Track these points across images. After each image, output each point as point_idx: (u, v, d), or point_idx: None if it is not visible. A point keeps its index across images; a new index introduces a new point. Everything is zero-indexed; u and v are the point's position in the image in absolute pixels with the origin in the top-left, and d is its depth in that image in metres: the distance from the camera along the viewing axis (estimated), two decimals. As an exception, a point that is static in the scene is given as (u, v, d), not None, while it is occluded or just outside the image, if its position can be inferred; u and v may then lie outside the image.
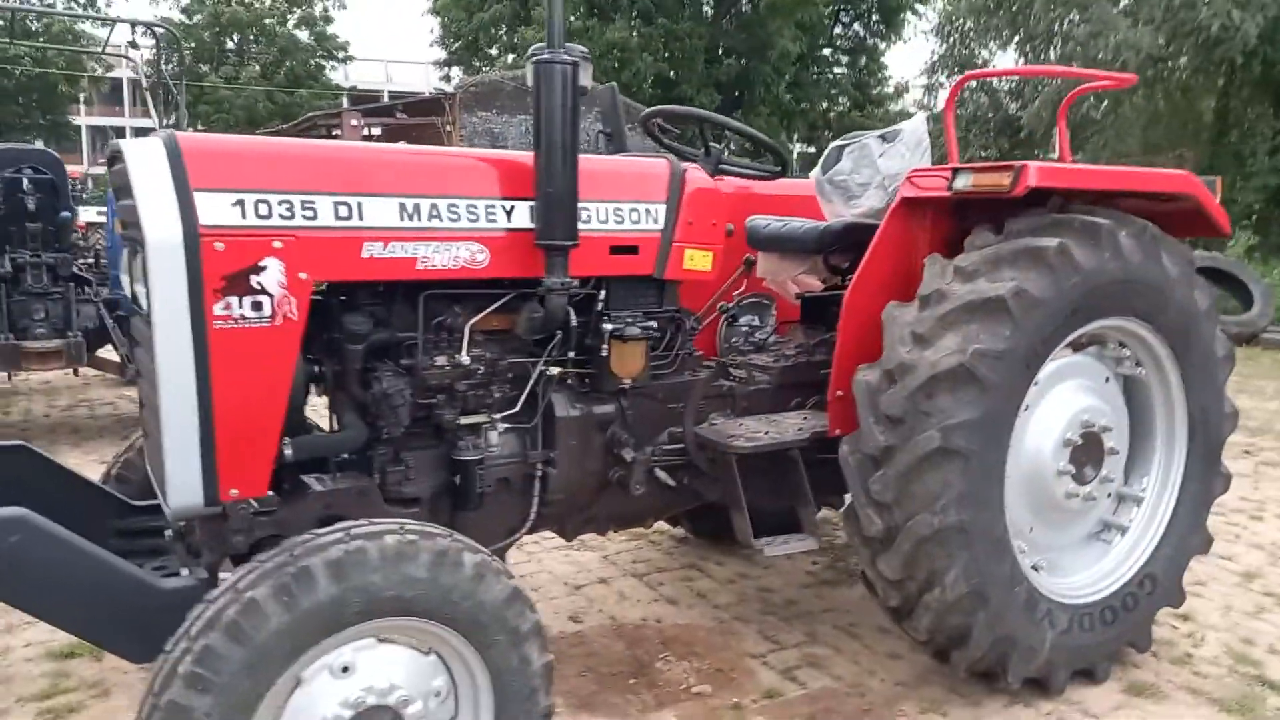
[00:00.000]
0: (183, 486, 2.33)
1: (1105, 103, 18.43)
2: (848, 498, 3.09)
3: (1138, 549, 3.49)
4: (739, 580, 4.38)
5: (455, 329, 2.75)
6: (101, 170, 39.27)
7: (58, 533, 2.22)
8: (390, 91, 47.44)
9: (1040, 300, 2.91)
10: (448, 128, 19.73)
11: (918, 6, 32.05)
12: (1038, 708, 3.25)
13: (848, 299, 3.17)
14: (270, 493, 2.48)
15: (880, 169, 3.48)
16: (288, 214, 2.34)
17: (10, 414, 8.11)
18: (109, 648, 2.48)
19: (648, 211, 2.96)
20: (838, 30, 34.57)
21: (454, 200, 2.61)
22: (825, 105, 34.80)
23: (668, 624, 3.90)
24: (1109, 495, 3.50)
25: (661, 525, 4.34)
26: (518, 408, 2.90)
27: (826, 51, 34.41)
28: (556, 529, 3.31)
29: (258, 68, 41.50)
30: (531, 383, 2.91)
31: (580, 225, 2.70)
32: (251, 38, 42.13)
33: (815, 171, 3.75)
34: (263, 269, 2.30)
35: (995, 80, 21.50)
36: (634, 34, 27.34)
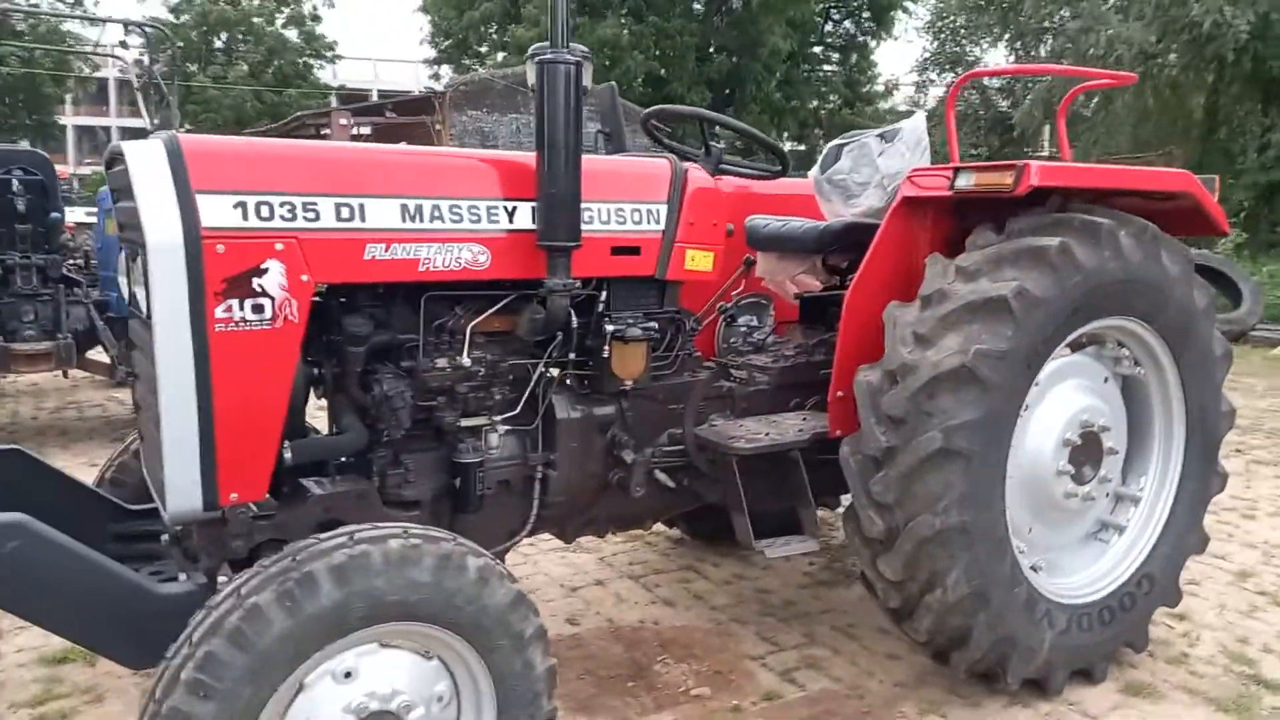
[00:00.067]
0: (182, 491, 2.30)
1: (1096, 100, 18.51)
2: (844, 498, 3.08)
3: (1135, 549, 3.49)
4: (736, 581, 4.38)
5: (456, 331, 2.74)
6: (88, 171, 39.17)
7: (56, 538, 2.20)
8: (379, 90, 47.34)
9: (1042, 300, 2.91)
10: (438, 127, 19.68)
11: (908, 4, 32.17)
12: (1036, 708, 3.25)
13: (849, 299, 3.16)
14: (269, 497, 2.47)
15: (880, 168, 3.47)
16: (289, 216, 2.32)
17: (-2, 416, 8.07)
18: (106, 653, 2.46)
19: (649, 212, 2.95)
20: (828, 28, 34.65)
21: (456, 201, 2.59)
22: (815, 103, 34.87)
23: (665, 626, 3.89)
24: (1107, 495, 3.50)
25: (658, 526, 4.33)
26: (518, 409, 2.89)
27: (817, 49, 34.48)
28: (556, 531, 3.29)
29: (245, 67, 41.29)
30: (532, 384, 2.89)
31: (582, 226, 2.69)
32: (239, 37, 41.91)
33: (814, 171, 3.74)
34: (264, 271, 2.28)
35: (986, 78, 21.61)
36: (625, 32, 27.32)
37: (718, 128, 3.52)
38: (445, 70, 34.52)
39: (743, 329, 3.86)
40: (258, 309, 2.29)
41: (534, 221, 2.67)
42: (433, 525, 2.42)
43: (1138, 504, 3.53)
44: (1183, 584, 3.64)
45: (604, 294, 2.97)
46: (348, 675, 2.13)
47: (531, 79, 2.60)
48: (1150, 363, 3.44)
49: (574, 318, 2.84)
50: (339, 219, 2.41)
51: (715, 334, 3.85)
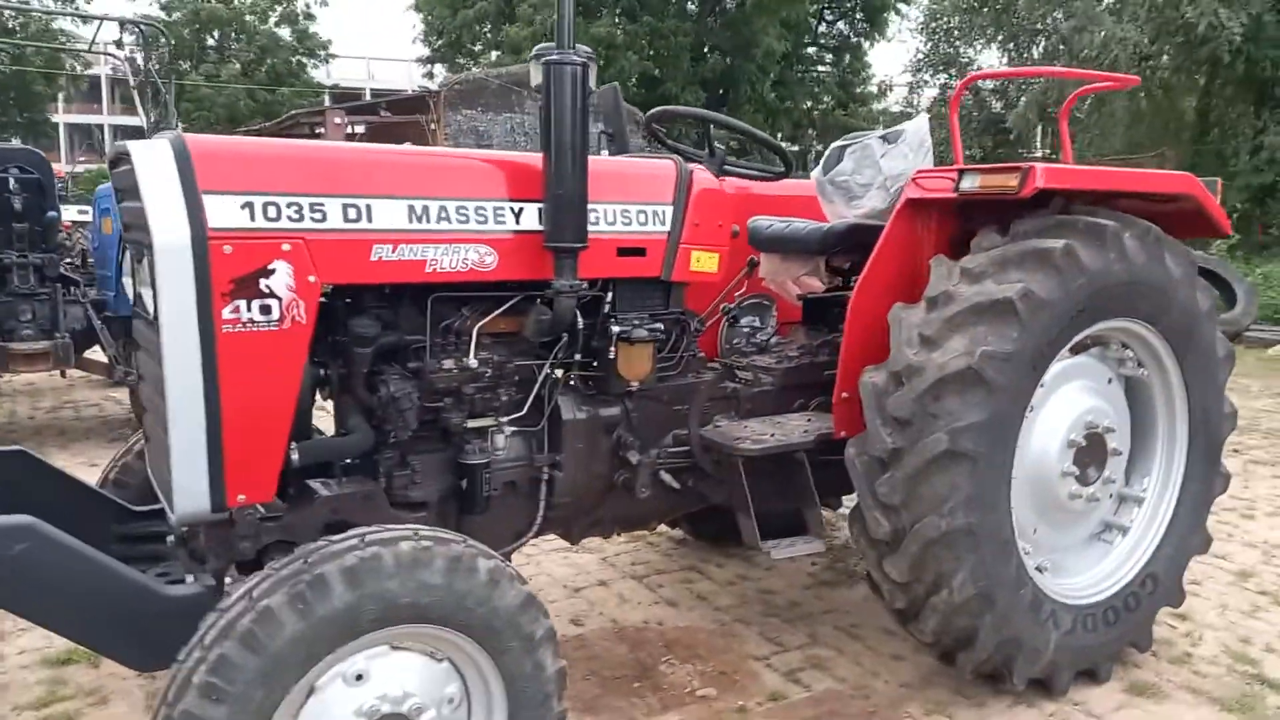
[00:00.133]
0: (189, 492, 2.29)
1: (1089, 102, 18.57)
2: (847, 499, 3.08)
3: (1139, 549, 3.50)
4: (739, 582, 4.38)
5: (463, 332, 2.73)
6: (80, 169, 39.02)
7: (64, 540, 2.20)
8: (372, 89, 47.25)
9: (1047, 302, 2.92)
10: (432, 126, 19.62)
11: (900, 6, 32.21)
12: (1041, 708, 3.26)
13: (853, 300, 3.16)
14: (276, 498, 2.46)
15: (882, 169, 3.47)
16: (296, 216, 2.32)
17: (-5, 416, 8.03)
18: (113, 655, 2.45)
19: (655, 213, 2.94)
20: (822, 29, 34.68)
21: (463, 202, 2.58)
22: (809, 104, 34.90)
23: (669, 626, 3.89)
24: (1111, 496, 3.51)
25: (661, 527, 4.33)
26: (524, 411, 2.88)
27: (811, 50, 34.52)
28: (561, 532, 3.29)
29: (238, 65, 41.17)
30: (538, 385, 2.89)
31: (588, 227, 2.68)
32: (232, 35, 41.79)
33: (816, 172, 3.74)
34: (271, 272, 2.28)
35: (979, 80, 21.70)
36: (619, 31, 27.31)
37: (717, 129, 3.52)
38: (439, 69, 34.47)
39: (745, 330, 3.86)
40: (265, 310, 2.29)
41: (541, 223, 2.67)
42: (439, 526, 2.42)
43: (1141, 505, 3.53)
44: (1185, 584, 3.65)
45: (609, 295, 2.97)
46: (359, 678, 2.12)
47: (536, 80, 2.60)
48: (1154, 364, 3.45)
49: (580, 319, 2.84)
50: (346, 220, 2.40)
51: (718, 335, 3.86)
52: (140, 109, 9.36)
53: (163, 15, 38.77)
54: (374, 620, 2.08)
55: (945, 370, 2.84)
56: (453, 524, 2.77)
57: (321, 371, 2.65)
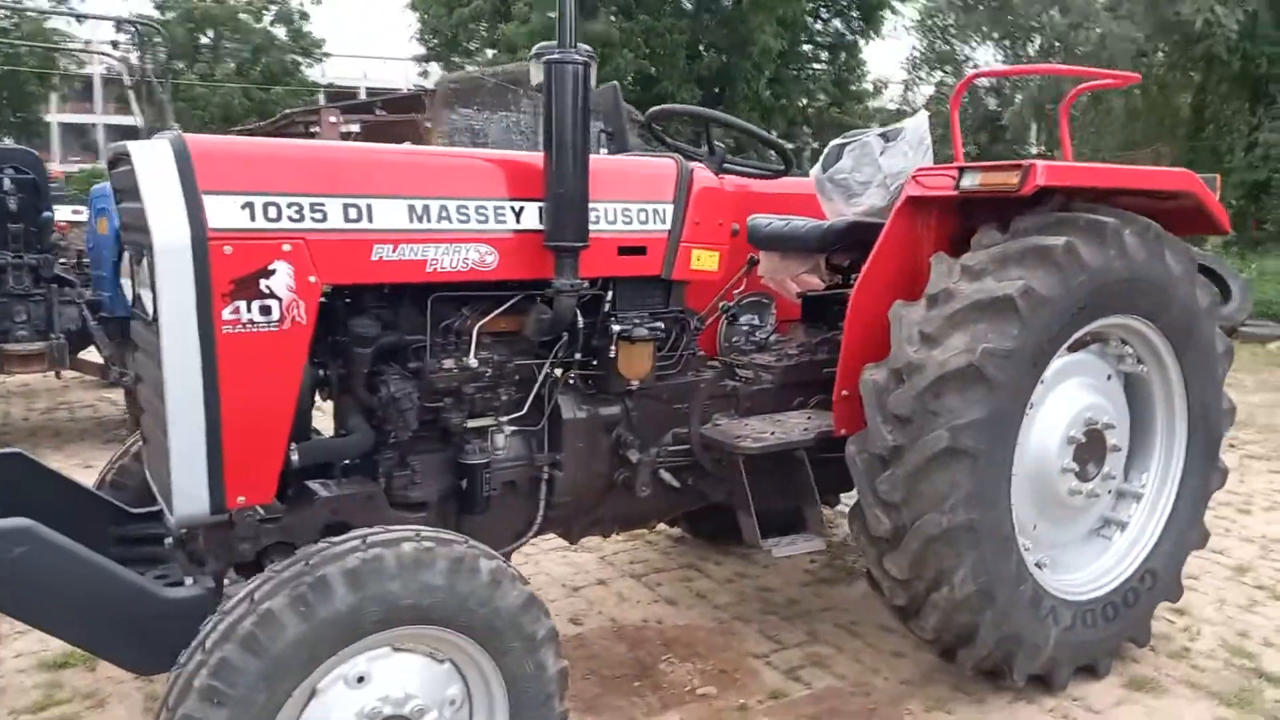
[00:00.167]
0: (189, 494, 2.29)
1: (1086, 100, 18.59)
2: (845, 496, 3.08)
3: (1138, 545, 3.51)
4: (738, 580, 4.37)
5: (463, 331, 2.72)
6: (75, 169, 38.88)
7: (62, 543, 2.18)
8: (367, 88, 47.20)
9: (1048, 299, 2.92)
10: (427, 124, 19.58)
11: (895, 4, 32.20)
12: (1041, 704, 3.26)
13: (853, 298, 3.16)
14: (276, 500, 2.45)
15: (882, 167, 3.47)
16: (297, 216, 2.31)
17: (-11, 417, 8.00)
18: (112, 658, 2.44)
19: (655, 212, 2.94)
20: (817, 26, 34.63)
21: (463, 202, 2.58)
22: (804, 101, 34.86)
23: (668, 625, 3.89)
24: (1110, 492, 3.52)
25: (659, 525, 4.33)
26: (524, 410, 2.87)
27: (806, 48, 34.47)
28: (561, 532, 3.28)
29: (233, 64, 41.06)
30: (538, 385, 2.88)
31: (589, 226, 2.67)
32: (226, 34, 41.66)
33: (815, 170, 3.74)
34: (272, 272, 2.27)
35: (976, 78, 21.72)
36: (615, 29, 27.26)
37: (717, 127, 3.52)
38: (434, 68, 34.40)
39: (744, 328, 3.86)
40: (265, 310, 2.28)
41: (541, 222, 2.66)
42: (439, 527, 2.41)
43: (1140, 500, 3.54)
44: (1183, 579, 3.65)
45: (610, 294, 2.96)
46: (360, 680, 2.11)
47: (537, 79, 2.59)
48: (1153, 360, 3.46)
49: (580, 318, 2.83)
50: (346, 220, 2.39)
51: (717, 333, 3.85)
52: (135, 109, 9.33)
53: (157, 14, 38.71)
54: (376, 622, 2.07)
55: (946, 367, 2.84)
56: (452, 524, 2.76)
57: (321, 372, 2.64)
